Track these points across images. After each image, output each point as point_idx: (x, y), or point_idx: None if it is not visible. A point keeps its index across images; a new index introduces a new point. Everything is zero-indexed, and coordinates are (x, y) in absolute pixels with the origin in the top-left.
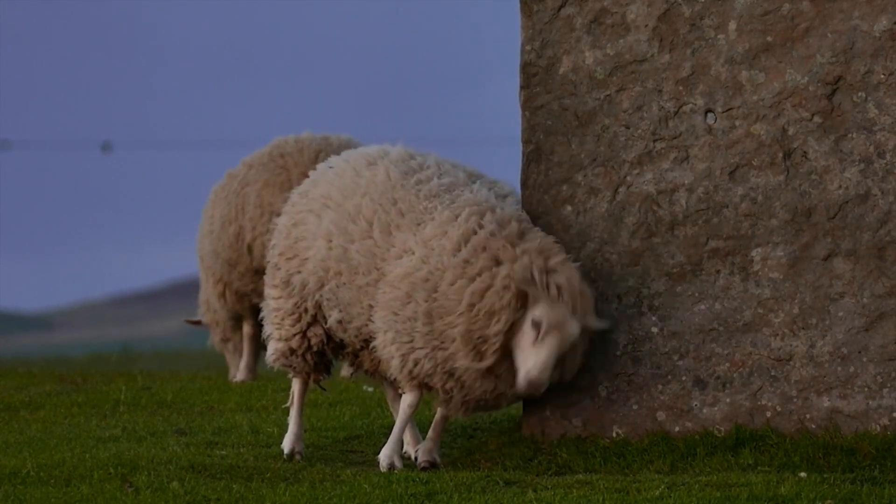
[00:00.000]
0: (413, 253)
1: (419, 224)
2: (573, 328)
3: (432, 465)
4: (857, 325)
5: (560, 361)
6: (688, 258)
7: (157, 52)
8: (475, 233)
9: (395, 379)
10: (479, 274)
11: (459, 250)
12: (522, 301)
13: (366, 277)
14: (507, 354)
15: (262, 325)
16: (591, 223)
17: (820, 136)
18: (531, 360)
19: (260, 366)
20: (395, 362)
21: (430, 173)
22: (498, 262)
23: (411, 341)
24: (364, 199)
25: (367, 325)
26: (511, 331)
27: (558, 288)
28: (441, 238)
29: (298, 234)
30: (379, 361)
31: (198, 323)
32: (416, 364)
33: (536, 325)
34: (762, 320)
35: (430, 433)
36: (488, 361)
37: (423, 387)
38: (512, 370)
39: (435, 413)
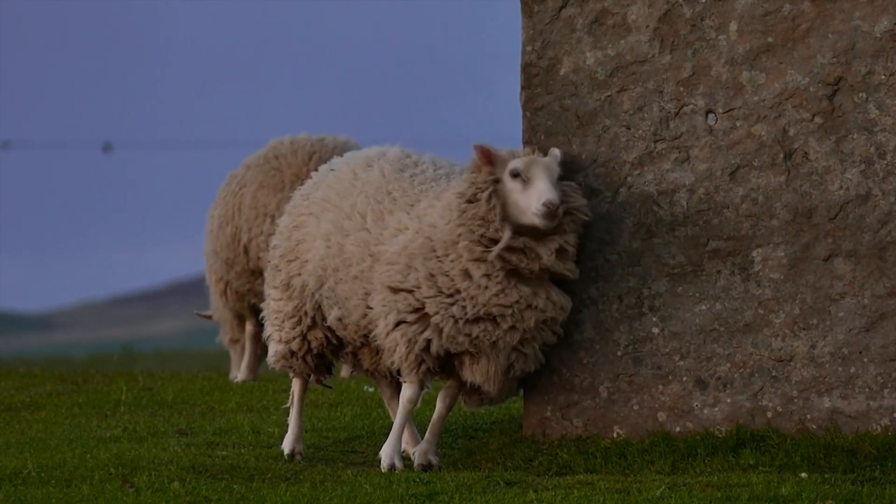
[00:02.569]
0: (408, 229)
1: (413, 204)
2: (549, 156)
3: (429, 467)
4: (857, 325)
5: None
6: (688, 259)
7: (159, 52)
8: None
9: (397, 371)
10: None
11: (450, 207)
12: (493, 173)
13: (359, 266)
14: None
15: (263, 325)
16: (592, 224)
17: (821, 137)
18: (532, 194)
19: (261, 367)
20: (402, 349)
21: (425, 167)
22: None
23: (420, 316)
24: (360, 196)
25: (364, 317)
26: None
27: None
28: (433, 205)
29: (299, 237)
30: (379, 358)
31: (208, 317)
32: (426, 343)
33: (515, 173)
34: (763, 321)
35: (426, 434)
36: (507, 234)
37: (429, 373)
38: (526, 251)
39: (433, 413)
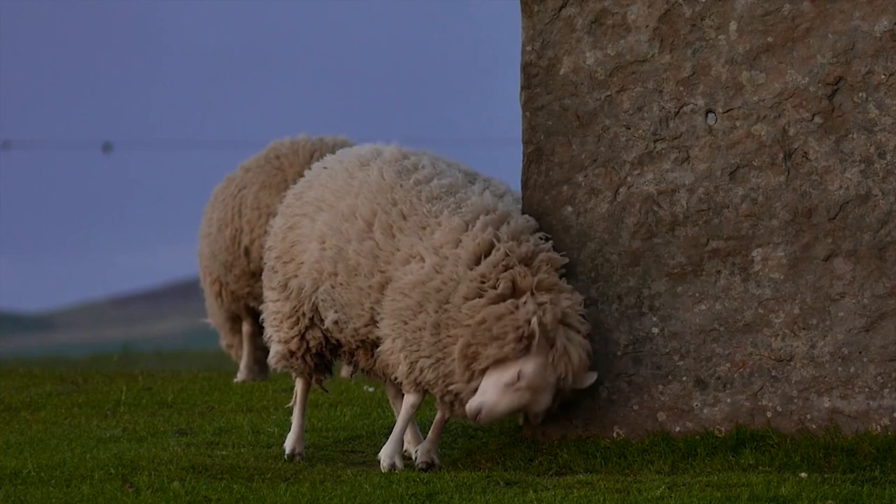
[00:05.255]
0: (422, 259)
1: (424, 228)
2: (545, 402)
3: (430, 466)
4: (857, 325)
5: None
6: (688, 258)
7: (159, 52)
8: (493, 246)
9: (397, 380)
10: (501, 297)
11: (477, 263)
12: (527, 344)
13: (368, 280)
14: None
15: (261, 325)
16: (592, 224)
17: (820, 137)
18: (495, 398)
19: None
20: (403, 368)
21: (428, 173)
22: (516, 288)
23: (419, 349)
24: (358, 198)
25: (365, 327)
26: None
27: (558, 354)
28: (454, 246)
29: (294, 238)
30: (375, 361)
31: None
32: (421, 371)
33: (520, 377)
34: (763, 321)
35: (429, 434)
36: (476, 383)
37: (427, 391)
38: None
39: (435, 413)
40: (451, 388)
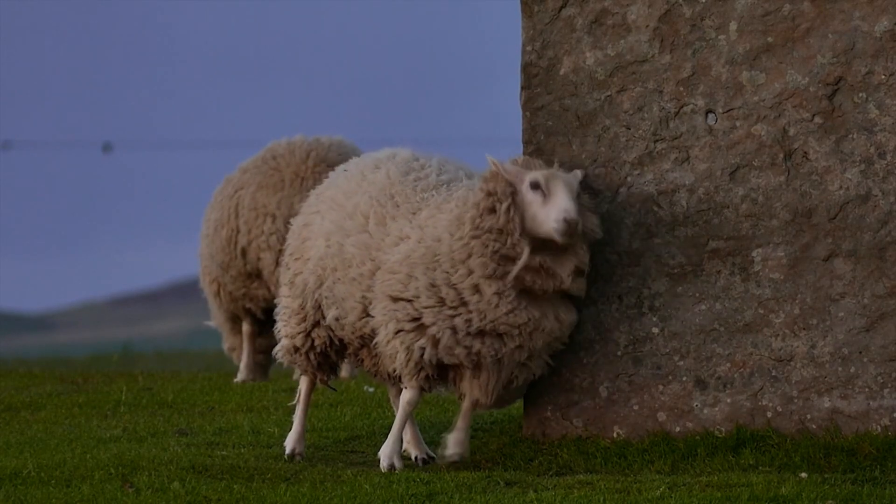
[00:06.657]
0: (409, 238)
1: (415, 213)
2: (568, 175)
3: (458, 460)
4: (857, 325)
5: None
6: (688, 259)
7: (159, 52)
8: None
9: (398, 375)
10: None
11: (461, 220)
12: (511, 185)
13: (359, 269)
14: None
15: (260, 324)
16: None
17: (821, 137)
18: (551, 208)
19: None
20: (402, 356)
21: (429, 171)
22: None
23: (417, 326)
24: (363, 197)
25: (360, 320)
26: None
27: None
28: (435, 216)
29: (306, 235)
30: (379, 360)
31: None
32: (421, 352)
33: (535, 185)
34: (763, 321)
35: (459, 423)
36: (526, 251)
37: (430, 380)
38: (543, 269)
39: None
40: (483, 330)
